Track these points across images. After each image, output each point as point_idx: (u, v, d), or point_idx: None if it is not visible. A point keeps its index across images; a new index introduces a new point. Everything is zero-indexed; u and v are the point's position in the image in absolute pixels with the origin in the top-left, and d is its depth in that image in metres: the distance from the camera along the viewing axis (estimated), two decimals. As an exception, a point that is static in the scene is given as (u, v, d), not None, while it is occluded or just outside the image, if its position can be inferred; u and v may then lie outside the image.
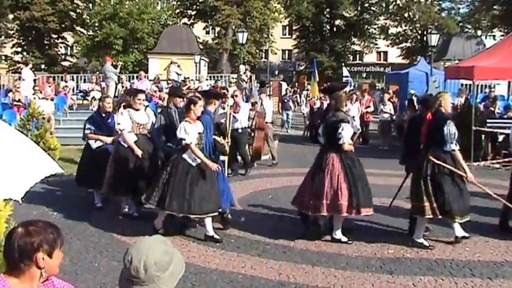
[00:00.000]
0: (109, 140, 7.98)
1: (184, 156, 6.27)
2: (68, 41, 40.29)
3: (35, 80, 19.46)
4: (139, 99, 7.54)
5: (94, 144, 8.12)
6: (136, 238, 5.47)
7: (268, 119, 12.37)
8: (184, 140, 6.17)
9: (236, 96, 10.75)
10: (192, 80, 21.23)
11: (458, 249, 6.16)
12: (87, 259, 5.81)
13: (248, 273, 5.41)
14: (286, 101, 21.40)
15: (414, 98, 15.71)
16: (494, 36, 38.43)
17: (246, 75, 19.45)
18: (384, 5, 45.68)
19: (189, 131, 6.17)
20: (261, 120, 11.72)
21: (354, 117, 16.23)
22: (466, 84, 17.47)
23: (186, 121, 6.26)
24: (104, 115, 8.16)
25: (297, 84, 29.86)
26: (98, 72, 24.45)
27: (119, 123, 7.32)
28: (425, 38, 38.50)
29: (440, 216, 6.04)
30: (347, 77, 22.44)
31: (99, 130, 8.03)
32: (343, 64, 23.21)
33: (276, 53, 47.59)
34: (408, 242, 6.31)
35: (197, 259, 5.78)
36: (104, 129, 8.03)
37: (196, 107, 6.31)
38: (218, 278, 5.29)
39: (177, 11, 41.38)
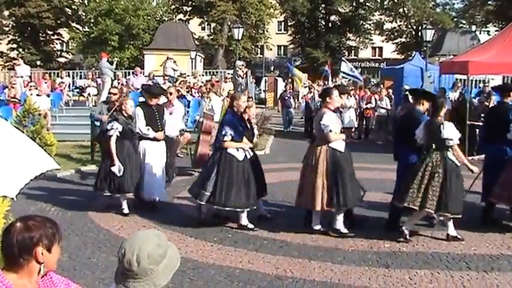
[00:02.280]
0: (247, 146, 6.80)
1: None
2: (63, 37, 40.19)
3: (30, 77, 19.44)
4: (337, 97, 6.49)
5: (240, 154, 6.67)
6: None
7: (216, 118, 11.19)
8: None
9: (171, 94, 9.77)
10: (188, 75, 21.22)
11: (454, 242, 6.20)
12: (86, 255, 5.83)
13: (245, 268, 5.43)
14: (286, 98, 20.22)
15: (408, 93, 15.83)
16: (488, 31, 38.49)
17: (243, 71, 19.44)
18: (378, 1, 45.71)
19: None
20: (208, 123, 10.46)
21: (350, 107, 16.34)
22: (460, 79, 17.52)
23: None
24: (240, 115, 6.88)
25: (290, 80, 29.83)
26: (93, 69, 24.41)
27: (327, 124, 6.22)
28: (420, 34, 38.54)
29: None
30: (344, 73, 21.80)
31: (237, 135, 6.70)
32: (343, 59, 22.71)
33: (271, 49, 47.61)
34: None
35: (195, 254, 5.81)
36: (242, 133, 6.78)
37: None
38: (216, 272, 5.32)
39: (173, 7, 41.30)
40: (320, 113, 6.46)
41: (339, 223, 6.42)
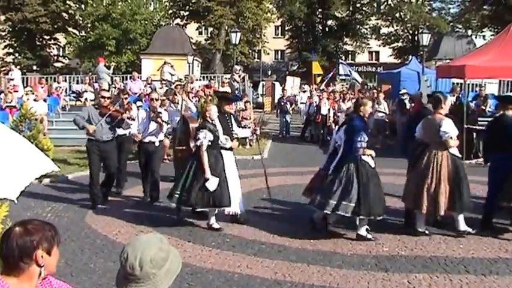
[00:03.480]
0: (373, 153, 6.55)
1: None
2: (60, 42, 40.09)
3: (27, 81, 19.45)
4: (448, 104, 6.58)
5: (371, 161, 6.44)
6: (132, 238, 5.46)
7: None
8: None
9: (125, 99, 8.95)
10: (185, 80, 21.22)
11: (453, 246, 6.22)
12: (83, 260, 5.80)
13: (244, 273, 5.42)
14: (283, 103, 19.12)
15: (406, 98, 15.85)
16: (484, 36, 38.66)
17: (239, 76, 19.46)
18: (375, 5, 45.90)
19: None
20: (195, 127, 10.03)
21: (344, 111, 16.32)
22: (457, 83, 17.60)
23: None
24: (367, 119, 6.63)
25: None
26: (90, 73, 24.38)
27: (448, 131, 6.29)
28: (416, 38, 38.71)
29: None
30: (342, 75, 21.78)
31: (367, 142, 6.45)
32: (341, 62, 22.74)
33: (268, 53, 47.62)
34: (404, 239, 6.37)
35: (193, 259, 5.78)
36: (368, 140, 6.52)
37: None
38: (214, 277, 5.30)
39: (170, 11, 41.30)
40: (436, 119, 6.46)
41: (462, 224, 6.55)
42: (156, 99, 8.60)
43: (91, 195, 8.20)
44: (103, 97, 8.22)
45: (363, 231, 6.44)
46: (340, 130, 6.74)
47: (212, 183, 6.62)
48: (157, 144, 8.49)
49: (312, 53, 22.26)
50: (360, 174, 6.25)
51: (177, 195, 6.80)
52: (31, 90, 16.37)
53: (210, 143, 6.76)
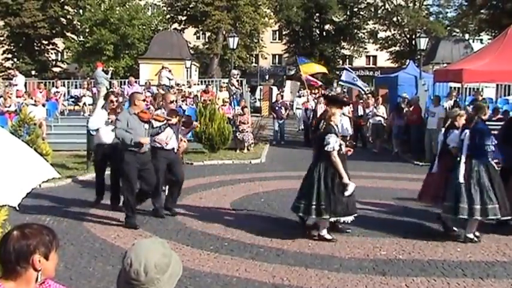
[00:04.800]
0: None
1: None
2: (58, 47, 40.19)
3: (25, 86, 19.44)
4: None
5: (494, 164, 6.55)
6: (131, 242, 5.47)
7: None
8: None
9: (116, 101, 8.16)
10: (183, 85, 21.27)
11: (450, 249, 6.24)
12: (82, 264, 5.80)
13: (242, 276, 5.43)
14: (277, 108, 18.40)
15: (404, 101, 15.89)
16: (481, 40, 38.82)
17: (237, 81, 19.53)
18: (372, 10, 46.03)
19: None
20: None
21: (342, 114, 16.28)
22: (454, 87, 17.66)
23: None
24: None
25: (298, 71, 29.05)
26: (89, 78, 24.42)
27: None
28: (413, 42, 38.81)
29: None
30: (343, 81, 21.54)
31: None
32: (346, 68, 22.52)
33: (266, 58, 47.75)
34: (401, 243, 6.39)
35: (191, 263, 5.79)
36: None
37: None
38: (212, 281, 5.31)
39: (168, 16, 41.45)
40: None
41: None
42: (176, 101, 7.89)
43: (127, 205, 7.25)
44: (144, 100, 7.37)
45: (471, 234, 6.54)
46: (453, 133, 6.78)
47: (351, 188, 6.39)
48: (175, 150, 7.98)
49: (301, 59, 21.61)
50: (493, 177, 6.41)
51: (303, 206, 6.54)
52: (28, 96, 16.38)
53: (338, 148, 6.50)
